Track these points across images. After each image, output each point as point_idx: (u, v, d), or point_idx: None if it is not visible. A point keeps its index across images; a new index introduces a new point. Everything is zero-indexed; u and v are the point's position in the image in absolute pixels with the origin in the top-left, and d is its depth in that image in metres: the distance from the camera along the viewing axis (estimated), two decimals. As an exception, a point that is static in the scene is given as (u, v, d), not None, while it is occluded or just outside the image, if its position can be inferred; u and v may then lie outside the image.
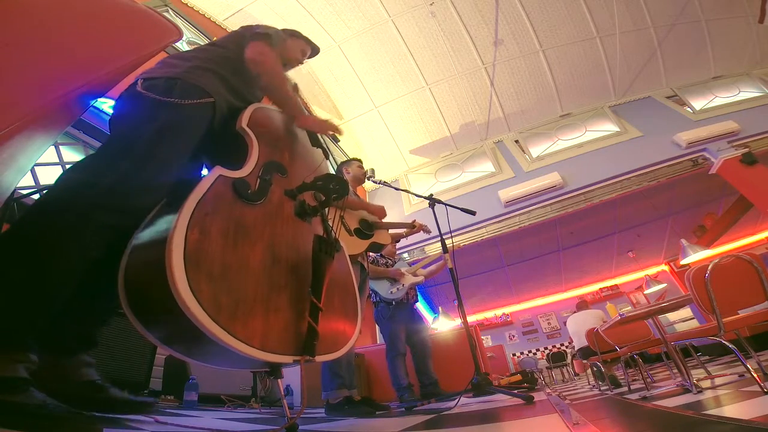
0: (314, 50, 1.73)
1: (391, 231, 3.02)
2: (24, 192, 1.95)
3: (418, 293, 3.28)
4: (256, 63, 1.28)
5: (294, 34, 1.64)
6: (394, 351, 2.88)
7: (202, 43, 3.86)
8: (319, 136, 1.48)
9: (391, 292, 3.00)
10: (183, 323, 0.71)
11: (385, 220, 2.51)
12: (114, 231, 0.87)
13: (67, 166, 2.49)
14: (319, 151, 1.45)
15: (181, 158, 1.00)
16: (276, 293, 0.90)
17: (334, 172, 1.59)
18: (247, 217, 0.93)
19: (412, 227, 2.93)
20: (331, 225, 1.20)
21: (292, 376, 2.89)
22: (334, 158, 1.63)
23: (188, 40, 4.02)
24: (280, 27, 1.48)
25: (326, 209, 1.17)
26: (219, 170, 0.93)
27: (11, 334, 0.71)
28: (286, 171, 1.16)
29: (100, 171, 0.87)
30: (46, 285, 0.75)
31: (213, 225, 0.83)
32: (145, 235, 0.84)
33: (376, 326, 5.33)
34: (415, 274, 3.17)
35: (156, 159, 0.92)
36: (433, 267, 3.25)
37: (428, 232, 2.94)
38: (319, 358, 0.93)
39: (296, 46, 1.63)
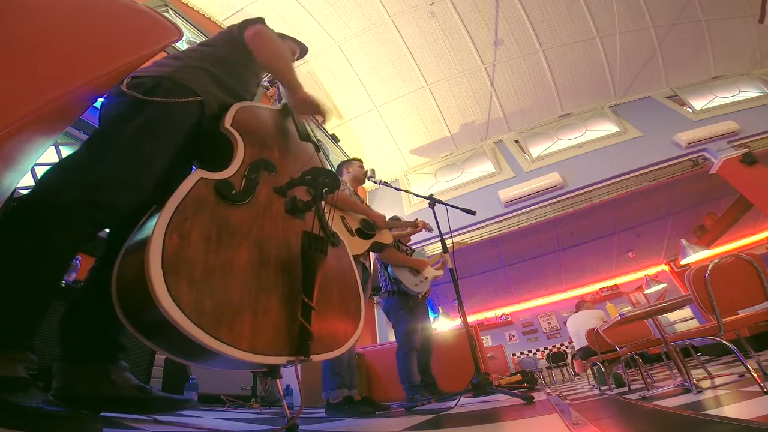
0: (303, 50, 1.73)
1: (393, 231, 2.99)
2: (24, 192, 1.94)
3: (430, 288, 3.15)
4: (255, 37, 1.29)
5: (282, 36, 1.65)
6: (409, 345, 2.70)
7: (202, 43, 3.86)
8: (308, 130, 1.47)
9: (416, 285, 2.82)
10: (167, 328, 0.71)
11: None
12: (100, 226, 0.88)
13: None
14: (310, 144, 1.43)
15: (164, 157, 0.99)
16: (265, 294, 0.89)
17: (333, 171, 1.58)
18: (232, 218, 0.92)
19: (415, 226, 2.89)
20: (328, 220, 1.18)
21: (292, 377, 2.88)
22: (326, 154, 1.60)
23: (188, 40, 4.02)
24: (279, 27, 1.49)
25: (321, 204, 1.15)
26: (200, 173, 0.93)
27: (8, 333, 0.72)
28: (275, 168, 1.14)
29: (83, 168, 0.87)
30: (36, 282, 0.76)
31: (193, 229, 0.82)
32: (132, 240, 0.85)
33: (377, 326, 5.32)
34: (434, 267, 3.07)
35: (137, 157, 0.92)
36: (438, 265, 3.16)
37: (431, 230, 2.87)
38: (316, 358, 0.92)
39: (287, 47, 1.64)
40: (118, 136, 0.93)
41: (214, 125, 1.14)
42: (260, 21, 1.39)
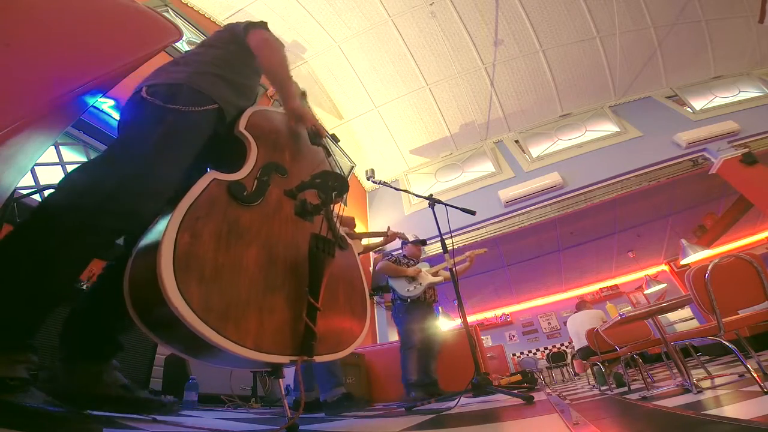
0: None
1: (368, 240, 3.09)
2: (24, 192, 1.95)
3: (436, 294, 3.28)
4: (264, 44, 1.30)
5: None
6: (408, 343, 2.86)
7: (202, 43, 3.86)
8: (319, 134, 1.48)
9: (408, 291, 3.04)
10: (176, 325, 0.72)
11: (380, 228, 2.54)
12: (119, 234, 0.88)
13: (68, 167, 2.51)
14: (320, 149, 1.44)
15: (184, 165, 1.00)
16: (272, 294, 0.90)
17: (343, 176, 1.59)
18: (243, 219, 0.93)
19: (386, 235, 2.97)
20: (336, 223, 1.19)
21: (293, 376, 2.88)
22: (335, 158, 1.62)
23: (188, 40, 4.02)
24: (280, 27, 1.49)
25: (330, 207, 1.17)
26: (213, 174, 0.94)
27: (12, 335, 0.72)
28: (286, 171, 1.16)
29: (103, 175, 0.87)
30: (47, 287, 0.76)
31: (205, 228, 0.84)
32: (144, 240, 0.86)
33: (377, 326, 5.33)
34: (436, 274, 3.17)
35: (159, 165, 0.93)
36: (461, 266, 3.17)
37: (404, 238, 2.98)
38: (320, 359, 0.93)
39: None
40: (139, 145, 0.94)
41: (228, 129, 1.16)
42: (264, 26, 1.40)
